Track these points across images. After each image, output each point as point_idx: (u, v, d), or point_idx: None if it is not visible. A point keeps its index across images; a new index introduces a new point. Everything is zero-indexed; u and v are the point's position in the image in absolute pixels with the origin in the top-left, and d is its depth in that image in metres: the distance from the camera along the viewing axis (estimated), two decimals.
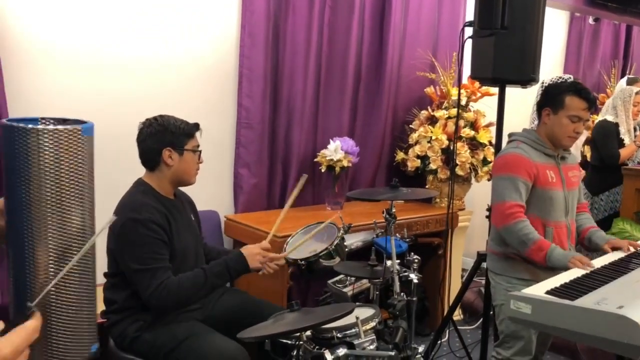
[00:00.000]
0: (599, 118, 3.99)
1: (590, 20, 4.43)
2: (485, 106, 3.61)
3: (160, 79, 2.83)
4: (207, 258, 2.17)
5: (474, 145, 3.49)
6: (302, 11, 3.18)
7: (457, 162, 3.40)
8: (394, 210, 2.00)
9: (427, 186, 3.66)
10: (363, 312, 1.81)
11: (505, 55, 2.48)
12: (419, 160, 3.53)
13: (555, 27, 4.62)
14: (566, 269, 1.93)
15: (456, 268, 3.65)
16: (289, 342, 1.71)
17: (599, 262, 1.96)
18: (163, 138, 1.92)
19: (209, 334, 1.92)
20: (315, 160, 3.27)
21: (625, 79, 4.44)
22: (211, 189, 3.06)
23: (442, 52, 3.79)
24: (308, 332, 1.70)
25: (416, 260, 2.16)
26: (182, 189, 2.13)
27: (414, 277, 2.07)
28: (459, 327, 2.92)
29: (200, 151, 2.03)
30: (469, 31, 2.61)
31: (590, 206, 3.89)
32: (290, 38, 3.19)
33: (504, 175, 2.16)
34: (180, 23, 2.86)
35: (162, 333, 1.90)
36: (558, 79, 3.57)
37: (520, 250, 2.12)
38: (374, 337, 1.68)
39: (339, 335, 1.68)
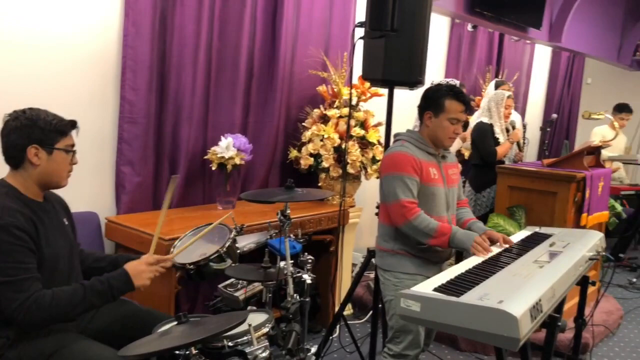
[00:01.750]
0: (474, 119, 4.27)
1: (469, 27, 4.72)
2: (373, 106, 3.71)
3: (31, 66, 2.55)
4: (85, 265, 1.98)
5: (364, 144, 3.57)
6: (190, 2, 3.03)
7: (349, 160, 3.46)
8: (288, 211, 1.96)
9: (319, 184, 3.68)
10: (255, 317, 1.75)
11: (395, 57, 2.55)
12: (312, 159, 3.53)
13: (438, 32, 4.87)
14: (468, 250, 2.10)
15: (347, 264, 3.72)
16: (177, 353, 1.61)
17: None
18: (30, 134, 1.71)
19: (82, 342, 1.74)
20: (206, 157, 3.14)
21: (493, 82, 4.80)
22: (90, 189, 2.83)
23: (334, 51, 3.83)
24: None
25: (310, 261, 2.15)
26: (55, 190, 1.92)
27: (307, 277, 2.05)
28: (349, 322, 2.97)
29: (74, 151, 1.83)
30: (360, 32, 2.65)
31: (474, 202, 4.16)
32: (178, 29, 3.03)
33: (393, 174, 2.22)
34: (53, 2, 2.59)
35: (28, 349, 1.69)
36: (446, 83, 3.76)
37: (424, 241, 2.20)
38: (267, 343, 1.63)
39: (230, 344, 1.60)
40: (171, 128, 3.11)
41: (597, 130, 5.57)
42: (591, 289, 3.96)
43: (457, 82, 3.75)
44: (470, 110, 2.38)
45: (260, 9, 3.40)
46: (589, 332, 3.45)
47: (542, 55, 6.55)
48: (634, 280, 4.84)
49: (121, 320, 1.98)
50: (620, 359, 3.36)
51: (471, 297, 1.58)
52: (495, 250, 2.20)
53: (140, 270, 1.80)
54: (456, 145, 4.54)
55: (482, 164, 4.02)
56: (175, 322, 1.49)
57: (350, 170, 3.48)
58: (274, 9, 3.47)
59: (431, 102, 2.33)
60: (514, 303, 1.50)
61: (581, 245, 2.26)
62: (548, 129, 5.57)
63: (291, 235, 2.21)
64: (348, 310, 3.73)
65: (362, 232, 4.27)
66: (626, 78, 7.12)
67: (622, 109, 5.63)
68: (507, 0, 4.09)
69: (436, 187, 2.29)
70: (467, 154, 4.63)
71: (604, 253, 2.35)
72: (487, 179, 3.99)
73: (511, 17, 4.10)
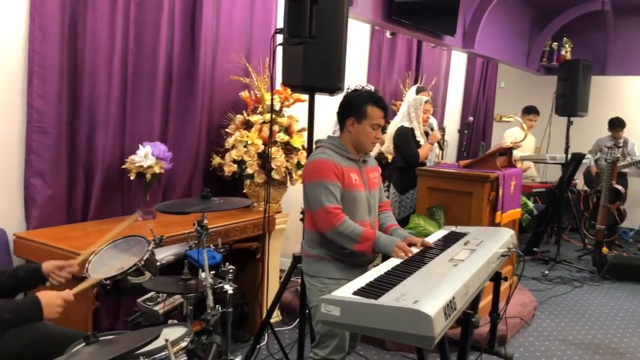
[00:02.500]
0: (396, 124, 4.40)
1: (388, 34, 4.86)
2: (297, 111, 3.73)
3: None
4: None
5: (289, 149, 3.58)
6: (103, 6, 2.92)
7: (273, 166, 3.45)
8: (205, 221, 1.93)
9: (244, 190, 3.65)
10: (173, 332, 1.71)
11: (314, 64, 2.58)
12: (235, 165, 3.50)
13: (358, 39, 4.98)
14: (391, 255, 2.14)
15: (274, 270, 3.70)
16: None
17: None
18: None
19: None
20: (124, 167, 3.03)
21: (414, 87, 4.97)
22: None
23: (256, 57, 3.81)
24: None
25: (231, 271, 2.12)
26: None
27: (228, 287, 2.02)
28: (278, 329, 2.96)
29: None
30: (280, 38, 2.66)
31: (398, 204, 4.27)
32: (90, 34, 2.90)
33: (316, 181, 2.24)
34: None
35: None
36: (361, 88, 3.84)
37: (349, 247, 2.23)
38: (186, 357, 1.59)
39: None
40: (85, 137, 2.97)
41: (509, 132, 5.90)
42: (506, 284, 4.18)
43: (372, 87, 3.84)
44: (387, 115, 2.45)
45: (178, 13, 3.33)
46: (505, 325, 3.64)
47: (458, 61, 6.85)
48: (547, 272, 5.15)
49: (33, 343, 1.87)
50: (535, 348, 3.57)
51: (389, 298, 1.62)
52: (414, 250, 2.27)
53: (55, 303, 1.73)
54: (376, 149, 4.64)
55: (405, 166, 4.15)
56: (83, 344, 1.42)
57: (275, 176, 3.48)
58: (193, 13, 3.41)
59: (353, 109, 2.37)
60: (428, 302, 1.55)
61: (493, 242, 2.37)
62: (465, 131, 5.84)
63: (211, 246, 2.18)
64: (276, 317, 3.71)
65: (289, 238, 4.27)
66: (535, 82, 7.59)
67: (530, 111, 6.00)
68: (422, 8, 4.24)
69: (358, 192, 2.33)
70: (390, 157, 4.76)
71: (514, 249, 2.48)
72: (410, 181, 4.11)
73: (427, 25, 4.26)
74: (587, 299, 4.53)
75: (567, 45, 6.97)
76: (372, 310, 1.58)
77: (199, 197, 2.06)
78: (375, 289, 1.73)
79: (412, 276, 1.86)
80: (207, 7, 3.42)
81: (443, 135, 5.75)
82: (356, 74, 5.03)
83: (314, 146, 2.55)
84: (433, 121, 5.19)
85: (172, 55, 3.33)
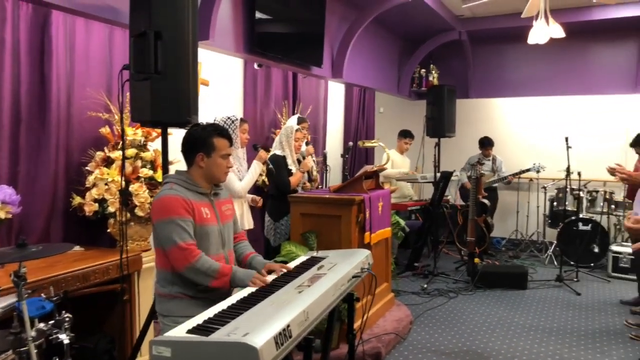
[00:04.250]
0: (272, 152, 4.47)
1: (255, 66, 4.95)
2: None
3: None
4: None
5: (153, 184, 3.49)
6: None
7: (137, 202, 3.35)
8: (23, 271, 1.81)
9: (109, 230, 3.50)
10: None
11: (162, 99, 2.57)
12: (96, 204, 3.35)
13: (231, 70, 5.01)
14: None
15: (146, 310, 3.55)
16: None
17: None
18: None
19: None
20: None
21: (295, 117, 5.09)
22: None
23: (117, 92, 3.70)
24: None
25: (67, 319, 2.00)
26: None
27: (64, 337, 1.91)
28: None
29: None
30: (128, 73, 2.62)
31: (274, 231, 4.30)
32: None
33: (166, 219, 2.20)
34: None
35: None
36: (227, 119, 3.87)
37: (206, 283, 2.20)
38: None
39: None
40: None
41: (383, 152, 6.17)
42: (388, 297, 4.33)
43: (237, 117, 3.89)
44: (232, 144, 2.46)
45: (24, 51, 3.17)
46: (381, 342, 3.76)
47: (336, 88, 7.11)
48: (425, 285, 5.41)
49: None
50: None
51: (221, 334, 1.62)
52: (271, 279, 2.29)
53: None
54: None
55: (278, 194, 4.21)
56: None
57: (139, 212, 3.37)
58: (41, 49, 3.26)
59: (200, 144, 2.37)
60: (258, 334, 1.57)
61: (346, 265, 2.46)
62: (347, 156, 6.05)
63: (42, 295, 2.05)
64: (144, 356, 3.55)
65: None
66: (410, 106, 8.07)
67: (405, 135, 6.36)
68: (286, 40, 4.37)
69: (209, 226, 2.32)
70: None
71: (367, 270, 2.59)
72: (284, 208, 4.17)
73: (292, 57, 4.39)
74: (461, 309, 4.81)
75: (433, 72, 7.50)
76: (203, 348, 1.57)
77: (14, 246, 1.93)
78: (211, 324, 1.72)
79: (253, 308, 1.87)
80: (57, 43, 3.29)
81: (325, 161, 5.94)
82: (231, 105, 5.05)
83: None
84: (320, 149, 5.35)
85: (19, 93, 3.15)
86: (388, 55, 6.91)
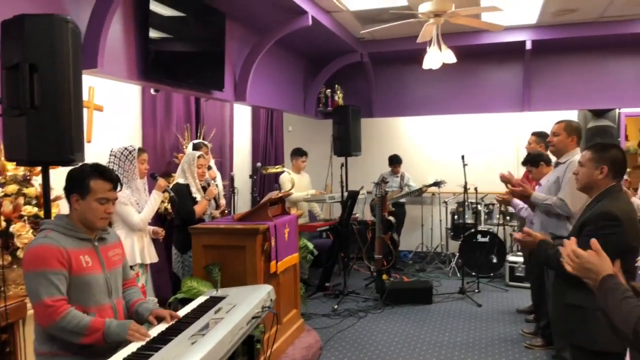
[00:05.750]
0: (175, 181, 4.30)
1: (152, 91, 4.76)
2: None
3: None
4: None
5: (39, 223, 3.21)
6: None
7: (19, 244, 3.07)
8: None
9: None
10: None
11: (40, 136, 2.36)
12: None
13: (129, 95, 4.79)
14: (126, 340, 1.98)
15: None
16: None
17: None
18: None
19: None
20: None
21: (191, 144, 4.94)
22: None
23: None
24: None
25: None
26: None
27: None
28: None
29: None
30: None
31: (181, 264, 4.13)
32: None
33: (35, 270, 2.02)
34: None
35: None
36: (124, 150, 3.67)
37: (75, 341, 2.03)
38: None
39: None
40: None
41: (284, 177, 6.12)
42: (297, 324, 4.28)
43: (135, 147, 3.72)
44: (118, 186, 2.30)
45: None
46: None
47: (242, 109, 7.03)
48: (336, 306, 5.43)
49: None
50: None
51: None
52: (161, 328, 2.16)
53: None
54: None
55: (184, 224, 4.05)
56: None
57: (22, 255, 3.08)
58: None
59: (76, 185, 2.21)
60: None
61: (246, 305, 2.38)
62: (255, 177, 5.97)
63: None
64: None
65: None
66: (318, 125, 8.13)
67: (298, 154, 6.36)
68: (183, 66, 4.23)
69: (91, 275, 2.15)
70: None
71: (269, 309, 2.52)
72: (190, 240, 4.01)
73: (190, 82, 4.26)
74: (370, 328, 4.86)
75: (338, 92, 7.62)
76: None
77: None
78: None
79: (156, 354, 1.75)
80: None
81: (232, 183, 5.82)
82: (129, 130, 4.81)
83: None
84: (218, 177, 5.22)
85: None
86: (293, 76, 6.93)
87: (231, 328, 2.08)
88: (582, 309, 2.31)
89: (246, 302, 2.42)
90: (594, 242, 1.65)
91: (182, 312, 2.40)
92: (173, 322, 2.24)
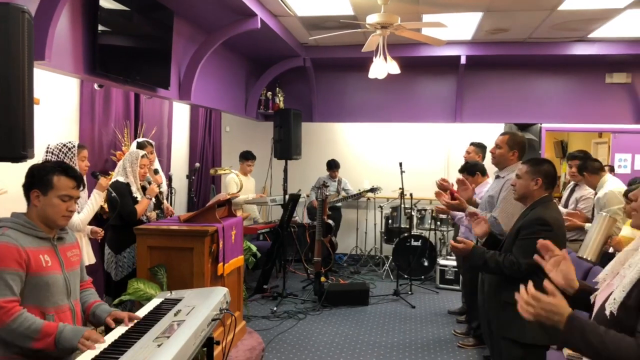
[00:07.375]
0: (114, 178, 4.16)
1: (96, 86, 4.60)
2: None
3: None
4: None
5: None
6: None
7: None
8: None
9: None
10: None
11: None
12: None
13: (67, 88, 4.58)
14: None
15: None
16: None
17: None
18: None
19: None
20: None
21: (135, 142, 4.81)
22: None
23: None
24: None
25: None
26: None
27: None
28: None
29: None
30: None
31: (115, 264, 4.00)
32: None
33: None
34: None
35: None
36: (62, 146, 3.54)
37: (26, 346, 1.95)
38: None
39: None
40: None
41: (230, 178, 6.11)
42: (240, 326, 4.27)
43: (74, 144, 3.60)
44: (82, 186, 2.26)
45: None
46: None
47: (181, 107, 6.90)
48: (275, 308, 5.46)
49: None
50: None
51: None
52: (121, 331, 2.12)
53: None
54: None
55: (121, 224, 3.94)
56: None
57: None
58: None
59: (38, 180, 2.13)
60: None
61: (205, 308, 2.38)
62: (193, 177, 5.88)
63: None
64: None
65: None
66: (258, 127, 8.13)
67: (247, 157, 6.37)
68: (131, 62, 4.12)
69: (51, 274, 2.08)
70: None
71: (226, 310, 2.53)
72: (126, 239, 3.93)
73: (137, 79, 4.15)
74: (309, 330, 4.94)
75: (280, 95, 7.67)
76: None
77: None
78: None
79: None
80: None
81: (170, 184, 5.71)
82: (66, 125, 4.61)
83: None
84: (164, 182, 5.11)
85: None
86: (236, 77, 6.90)
87: (195, 330, 2.07)
88: (515, 305, 2.51)
89: (205, 304, 2.41)
90: (547, 283, 1.61)
91: (140, 313, 2.35)
92: (132, 324, 2.20)
